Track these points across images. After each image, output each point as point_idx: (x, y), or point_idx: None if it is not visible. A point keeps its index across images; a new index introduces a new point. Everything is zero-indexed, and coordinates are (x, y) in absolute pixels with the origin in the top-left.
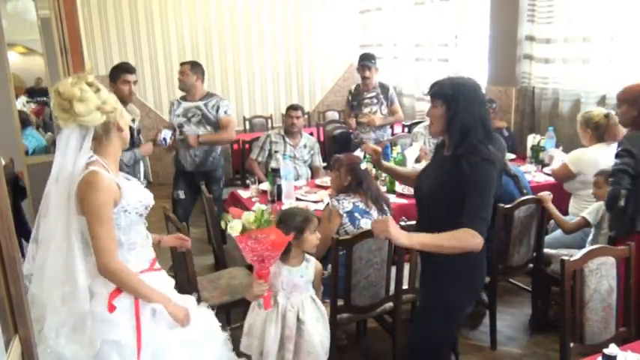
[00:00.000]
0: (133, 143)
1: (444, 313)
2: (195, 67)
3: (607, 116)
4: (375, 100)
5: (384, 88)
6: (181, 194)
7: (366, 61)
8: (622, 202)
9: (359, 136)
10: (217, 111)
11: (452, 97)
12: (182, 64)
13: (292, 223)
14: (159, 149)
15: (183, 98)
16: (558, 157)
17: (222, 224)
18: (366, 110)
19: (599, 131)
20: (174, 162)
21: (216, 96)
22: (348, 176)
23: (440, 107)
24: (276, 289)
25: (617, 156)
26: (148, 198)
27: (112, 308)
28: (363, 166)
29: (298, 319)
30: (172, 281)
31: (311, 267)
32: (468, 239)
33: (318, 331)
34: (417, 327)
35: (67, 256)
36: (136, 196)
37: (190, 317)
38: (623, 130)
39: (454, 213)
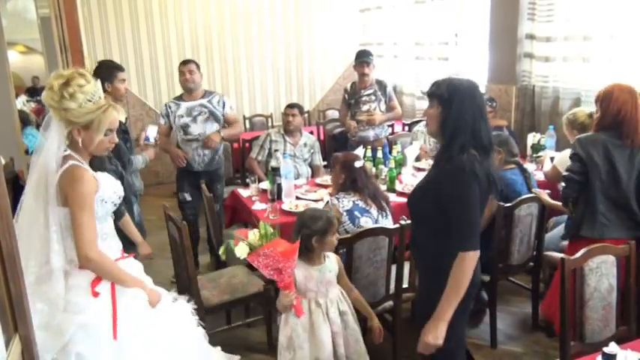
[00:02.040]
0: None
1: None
2: (198, 64)
3: (591, 116)
4: (373, 97)
5: (381, 85)
6: (187, 196)
7: (364, 58)
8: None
9: (357, 134)
10: (224, 107)
11: (446, 99)
12: (187, 62)
13: (316, 225)
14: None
15: (179, 98)
16: (549, 159)
17: (222, 250)
18: (364, 108)
19: (585, 131)
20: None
21: (214, 92)
22: (342, 174)
23: (435, 108)
24: (315, 292)
25: (570, 159)
26: (120, 189)
27: (96, 294)
28: (359, 163)
29: (340, 313)
30: (141, 265)
31: (333, 260)
32: (467, 267)
33: (354, 318)
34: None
35: (43, 238)
36: (111, 187)
37: (163, 301)
38: None
39: (430, 221)
